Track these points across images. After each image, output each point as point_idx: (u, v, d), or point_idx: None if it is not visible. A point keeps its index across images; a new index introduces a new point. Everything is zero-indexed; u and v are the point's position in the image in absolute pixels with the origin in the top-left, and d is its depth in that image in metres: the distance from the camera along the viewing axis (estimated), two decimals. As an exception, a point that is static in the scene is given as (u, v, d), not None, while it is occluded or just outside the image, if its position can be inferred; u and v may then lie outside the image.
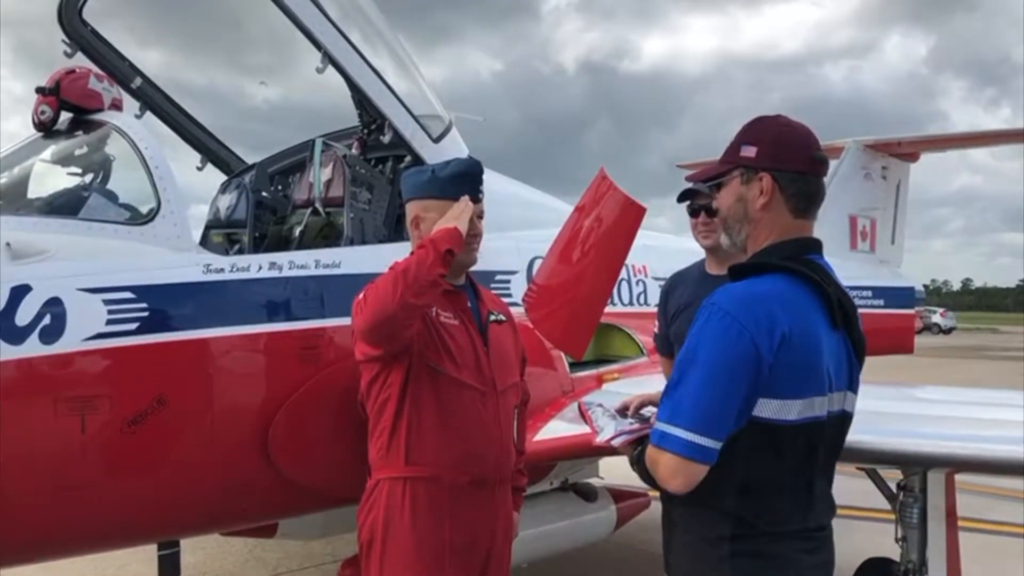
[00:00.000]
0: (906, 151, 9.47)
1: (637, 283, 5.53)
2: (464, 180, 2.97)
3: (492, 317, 3.10)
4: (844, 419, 2.15)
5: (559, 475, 4.73)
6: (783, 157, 2.11)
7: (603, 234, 3.90)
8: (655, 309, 5.48)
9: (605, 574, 5.95)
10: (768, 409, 1.97)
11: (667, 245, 6.27)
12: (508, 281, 4.44)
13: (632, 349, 5.11)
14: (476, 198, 2.98)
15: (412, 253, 2.85)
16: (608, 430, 2.35)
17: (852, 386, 2.16)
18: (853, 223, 8.89)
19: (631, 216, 3.86)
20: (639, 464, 2.13)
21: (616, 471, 5.75)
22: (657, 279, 5.62)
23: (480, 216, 3.01)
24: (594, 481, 5.25)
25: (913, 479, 3.88)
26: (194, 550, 5.69)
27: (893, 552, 4.04)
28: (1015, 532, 6.99)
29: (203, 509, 3.41)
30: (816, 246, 2.17)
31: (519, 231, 4.64)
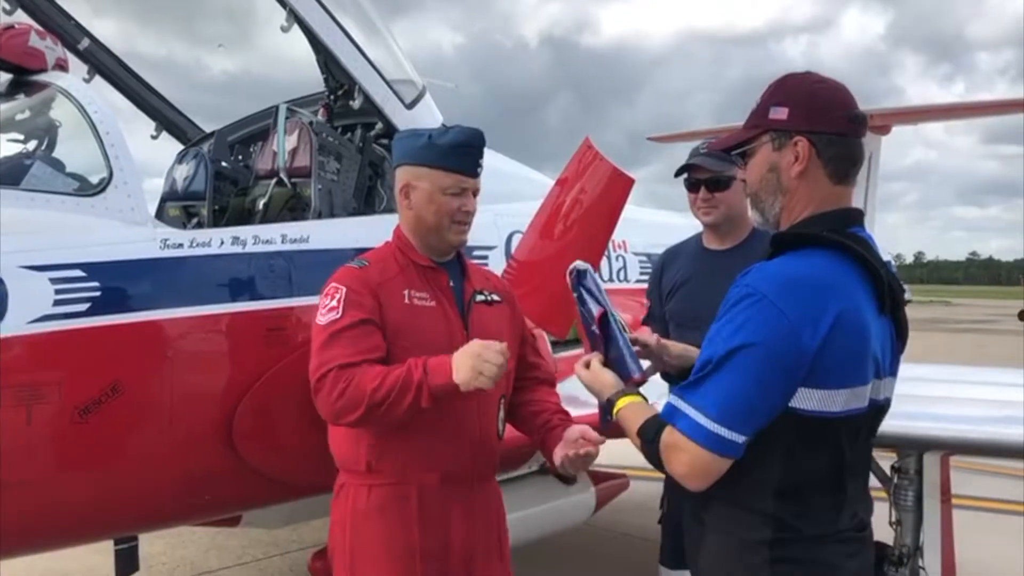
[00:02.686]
0: (877, 124, 9.38)
1: (617, 258, 5.34)
2: (464, 152, 2.68)
3: (479, 297, 2.81)
4: (884, 407, 1.98)
5: (538, 458, 4.54)
6: (819, 117, 1.90)
7: (588, 207, 3.72)
8: (635, 285, 5.39)
9: (582, 557, 5.80)
10: (810, 400, 1.78)
11: (646, 219, 6.08)
12: (486, 257, 4.22)
13: (613, 327, 4.91)
14: (474, 173, 2.72)
15: (399, 373, 2.42)
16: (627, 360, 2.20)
17: (894, 370, 1.98)
18: (826, 196, 8.78)
19: (618, 188, 3.68)
20: (651, 445, 1.92)
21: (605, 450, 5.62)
22: (637, 254, 5.46)
23: (475, 193, 2.76)
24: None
25: (908, 460, 3.77)
26: (153, 539, 5.44)
27: (884, 535, 3.92)
28: (992, 508, 6.99)
29: (162, 503, 3.18)
30: (858, 217, 1.97)
31: (496, 204, 4.40)
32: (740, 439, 1.77)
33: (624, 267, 5.39)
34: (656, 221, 6.15)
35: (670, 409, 1.87)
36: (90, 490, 2.92)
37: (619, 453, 6.44)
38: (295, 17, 3.50)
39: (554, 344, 4.29)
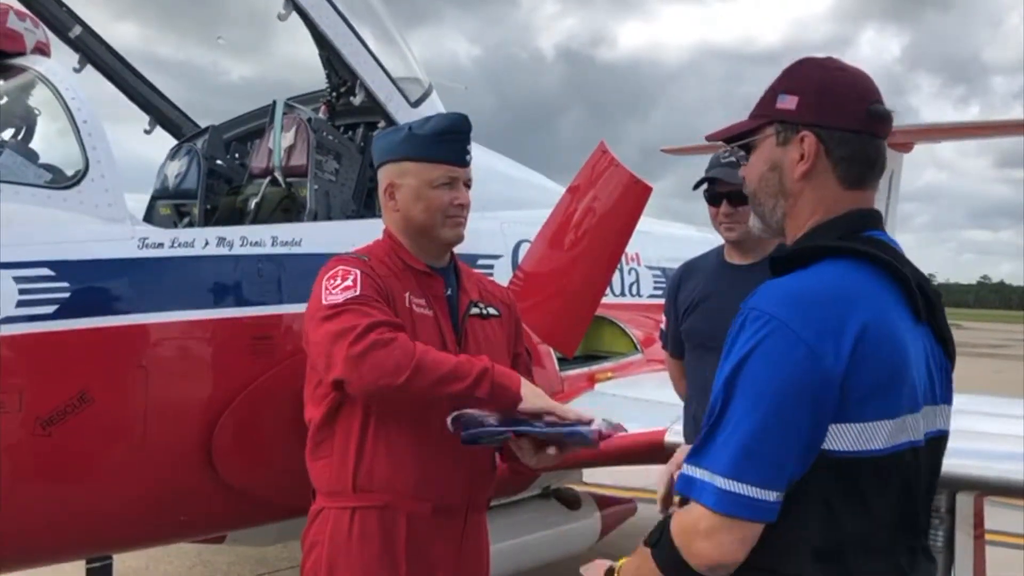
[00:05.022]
0: (900, 141, 9.12)
1: (629, 272, 5.10)
2: (448, 139, 2.45)
3: (474, 310, 2.55)
4: (941, 441, 1.66)
5: (542, 481, 4.31)
6: (832, 110, 1.61)
7: (602, 216, 3.51)
8: (648, 300, 5.16)
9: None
10: (845, 439, 1.47)
11: (661, 231, 5.86)
12: (491, 266, 3.99)
13: (625, 344, 4.67)
14: (463, 161, 2.48)
15: (456, 356, 2.28)
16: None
17: (947, 396, 1.66)
18: (846, 214, 8.55)
19: (635, 196, 3.47)
20: (661, 547, 1.54)
21: (600, 475, 5.38)
22: (651, 268, 5.22)
23: (467, 184, 2.51)
24: (577, 487, 4.84)
25: (939, 499, 3.49)
26: (137, 554, 5.20)
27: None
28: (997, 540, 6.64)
29: (133, 523, 2.96)
30: (875, 219, 1.67)
31: (503, 211, 4.19)
32: (771, 496, 1.45)
33: (637, 281, 5.16)
34: (671, 234, 5.93)
35: (682, 481, 1.54)
36: (53, 508, 2.71)
37: (626, 476, 6.22)
38: (294, 6, 3.29)
39: (561, 361, 4.06)
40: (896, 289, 1.57)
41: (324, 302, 2.29)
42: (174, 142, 4.35)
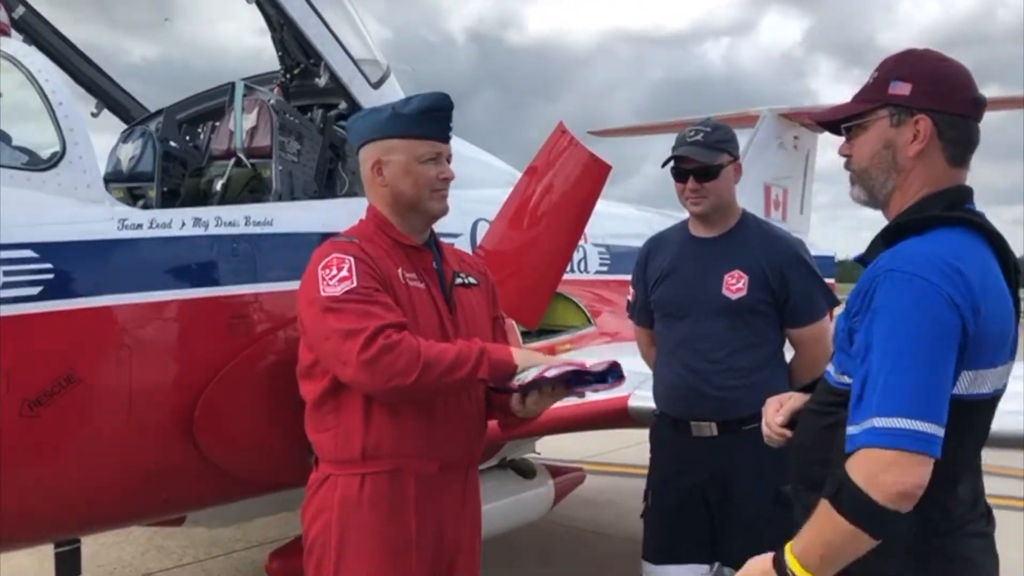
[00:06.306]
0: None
1: (578, 249, 5.25)
2: (434, 117, 2.57)
3: (459, 280, 2.70)
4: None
5: (499, 453, 4.45)
6: (944, 97, 1.83)
7: (562, 195, 3.64)
8: (595, 276, 5.33)
9: (537, 553, 5.68)
10: (962, 383, 1.69)
11: (604, 210, 5.99)
12: (451, 245, 4.08)
13: (578, 318, 4.85)
14: (446, 137, 2.60)
15: (452, 344, 2.39)
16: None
17: (1015, 355, 1.90)
18: (767, 191, 8.88)
19: (594, 174, 3.62)
20: (847, 494, 1.64)
21: (551, 445, 5.51)
22: (596, 245, 5.39)
23: (449, 159, 2.64)
24: (531, 457, 5.00)
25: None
26: (89, 541, 5.10)
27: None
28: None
29: (118, 501, 2.98)
30: (971, 194, 1.90)
31: (460, 190, 4.24)
32: (940, 432, 1.62)
33: (584, 258, 5.32)
34: (613, 212, 6.09)
35: (861, 437, 1.65)
36: (41, 488, 2.71)
37: (571, 448, 6.39)
38: (259, -12, 3.32)
39: (524, 334, 4.20)
40: (996, 256, 1.80)
41: (322, 293, 2.37)
42: (120, 125, 4.32)
